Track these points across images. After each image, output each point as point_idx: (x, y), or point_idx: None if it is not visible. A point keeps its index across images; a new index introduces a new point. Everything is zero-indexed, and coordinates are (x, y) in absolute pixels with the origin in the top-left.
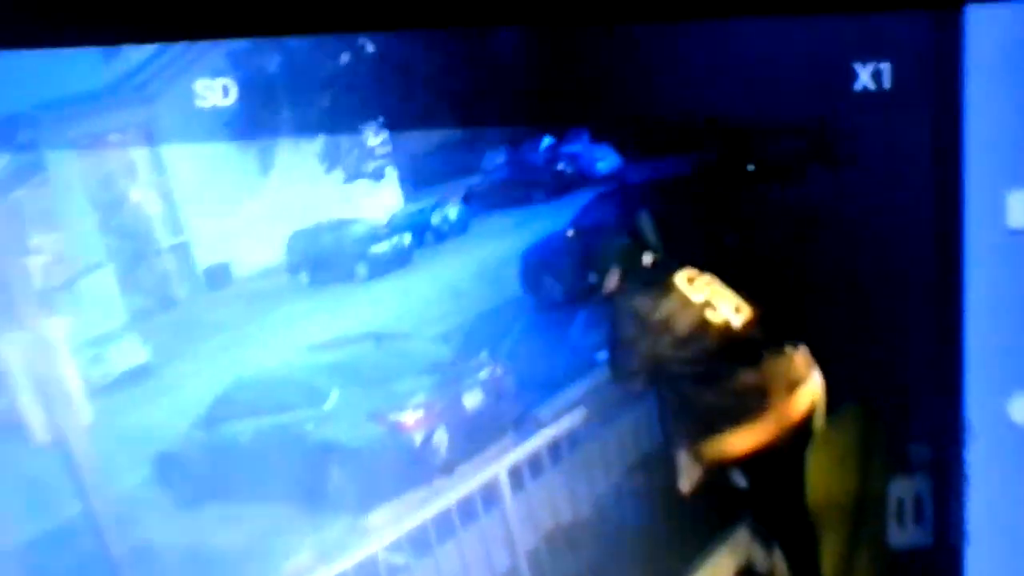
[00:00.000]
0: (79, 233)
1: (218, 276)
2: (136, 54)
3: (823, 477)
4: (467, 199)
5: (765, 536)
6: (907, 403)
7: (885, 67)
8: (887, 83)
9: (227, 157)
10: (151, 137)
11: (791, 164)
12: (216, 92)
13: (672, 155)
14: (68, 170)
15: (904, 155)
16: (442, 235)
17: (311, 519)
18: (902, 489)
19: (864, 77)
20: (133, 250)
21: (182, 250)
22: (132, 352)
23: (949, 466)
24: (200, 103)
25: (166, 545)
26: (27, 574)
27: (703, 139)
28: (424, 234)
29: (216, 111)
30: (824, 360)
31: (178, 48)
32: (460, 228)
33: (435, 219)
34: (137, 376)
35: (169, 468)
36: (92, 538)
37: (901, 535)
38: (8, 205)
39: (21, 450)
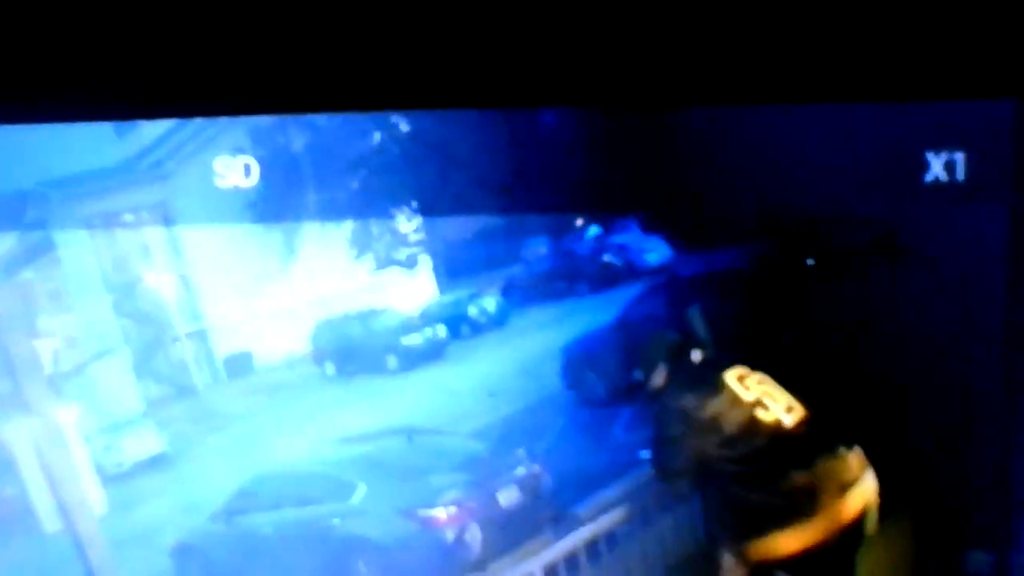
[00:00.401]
0: (91, 316)
1: (239, 365)
2: (152, 129)
3: None
4: (506, 290)
5: None
6: (967, 509)
7: (959, 157)
8: (960, 175)
9: (249, 240)
10: (168, 217)
11: (853, 259)
12: (237, 171)
13: (727, 247)
14: (80, 250)
15: (976, 251)
16: (479, 328)
17: None
18: None
19: (936, 167)
20: (149, 336)
21: (200, 337)
22: (148, 441)
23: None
24: (220, 182)
25: None
26: None
27: (761, 231)
28: (460, 326)
29: (237, 191)
30: (879, 462)
31: (197, 124)
32: (498, 321)
33: (471, 311)
34: (153, 466)
35: (187, 560)
36: None
37: None
38: (16, 286)
39: (31, 539)
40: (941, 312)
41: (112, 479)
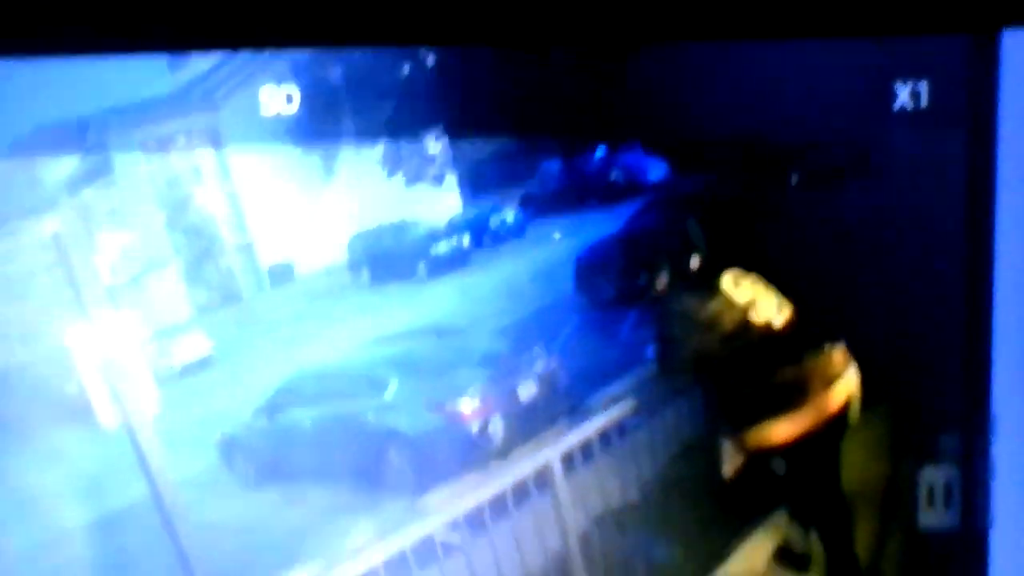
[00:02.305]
0: (146, 231)
1: (281, 274)
2: (202, 62)
3: (857, 465)
4: (523, 204)
5: (802, 519)
6: (938, 398)
7: (923, 87)
8: (924, 103)
9: (290, 162)
10: (216, 142)
11: (831, 177)
12: (280, 100)
13: (719, 167)
14: (136, 172)
15: (939, 170)
16: (499, 237)
17: (370, 500)
18: (932, 477)
19: (903, 96)
20: (198, 248)
21: (246, 249)
22: (197, 345)
23: (976, 456)
24: (264, 110)
25: (230, 526)
26: (94, 553)
27: (750, 154)
28: (482, 236)
29: (280, 118)
30: (860, 357)
31: (243, 57)
32: (516, 231)
33: (493, 222)
34: (202, 367)
35: (233, 453)
36: (157, 519)
37: (930, 519)
38: (78, 204)
39: (90, 434)
40: (910, 222)
41: (164, 380)
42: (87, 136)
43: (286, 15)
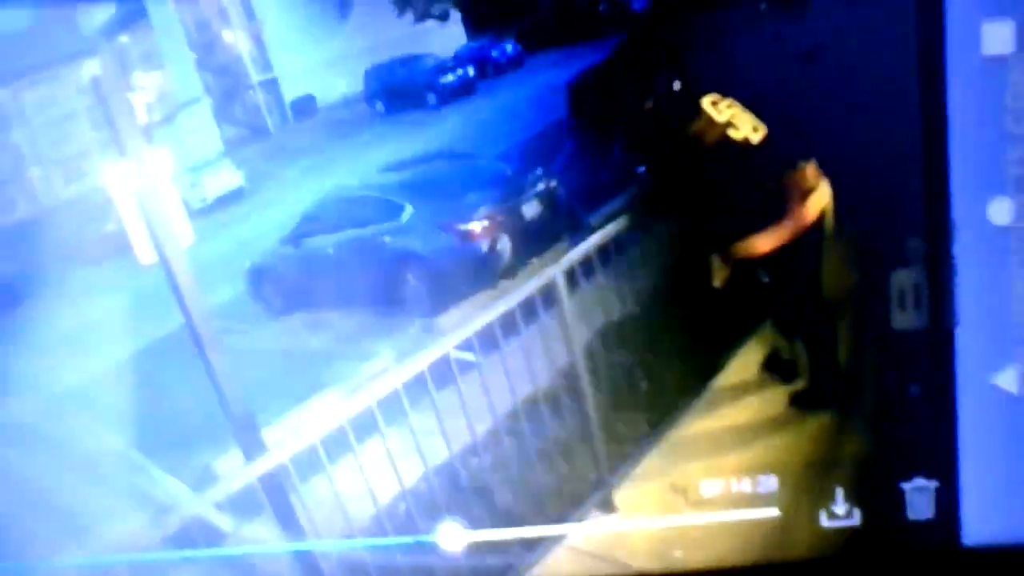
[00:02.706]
0: (178, 72)
1: (303, 107)
2: None
3: (835, 273)
4: (520, 37)
5: (787, 328)
6: (903, 205)
7: None
8: None
9: (310, 1)
10: None
11: (795, 1)
12: None
13: None
14: (168, 16)
15: None
16: (500, 68)
17: (388, 324)
18: (902, 279)
19: None
20: (227, 86)
21: (271, 85)
22: (227, 177)
23: (940, 259)
24: None
25: (258, 350)
26: (137, 381)
27: None
28: (485, 67)
29: None
30: (831, 171)
31: None
32: (516, 61)
33: (494, 54)
34: (232, 199)
35: (260, 281)
36: (194, 346)
37: (902, 319)
38: (114, 49)
39: (130, 269)
40: (868, 42)
41: (197, 212)
42: None
43: None
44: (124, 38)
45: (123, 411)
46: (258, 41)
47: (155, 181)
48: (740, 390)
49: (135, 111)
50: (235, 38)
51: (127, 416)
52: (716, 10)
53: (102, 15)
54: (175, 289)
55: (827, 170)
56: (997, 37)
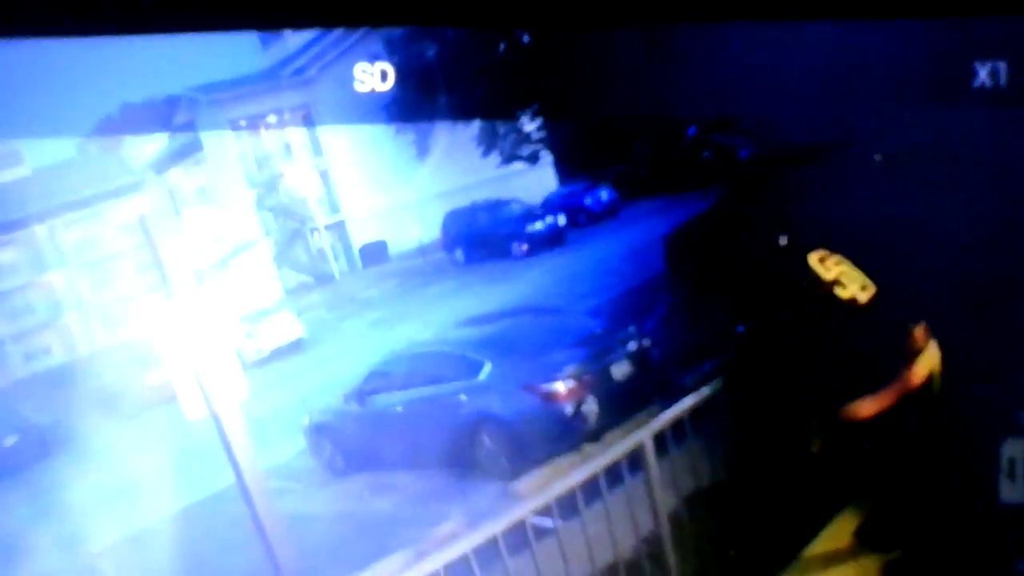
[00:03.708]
0: (235, 211)
1: (374, 253)
2: (295, 39)
3: (941, 440)
4: (617, 184)
5: (886, 495)
6: (1018, 372)
7: (1002, 66)
8: (1003, 81)
9: (384, 139)
10: (309, 119)
11: (915, 157)
12: (374, 77)
13: (806, 149)
14: (225, 150)
15: (1018, 150)
16: (594, 217)
17: (461, 487)
18: (1014, 449)
19: (983, 75)
20: (289, 228)
21: (338, 228)
22: (287, 328)
23: None
24: (359, 87)
25: (317, 515)
26: (179, 544)
27: (835, 134)
28: (577, 215)
29: (374, 95)
30: (941, 334)
31: (337, 34)
32: (611, 210)
33: (587, 201)
34: (292, 351)
35: (321, 440)
36: (243, 508)
37: (1012, 491)
38: (165, 184)
39: (177, 423)
40: (987, 202)
41: (253, 365)
42: (176, 115)
43: None
44: (176, 173)
45: (166, 573)
46: (325, 180)
47: (206, 330)
48: (833, 559)
49: (186, 253)
50: (299, 176)
51: None
52: (828, 161)
53: (153, 148)
54: (226, 446)
55: (937, 333)
56: None
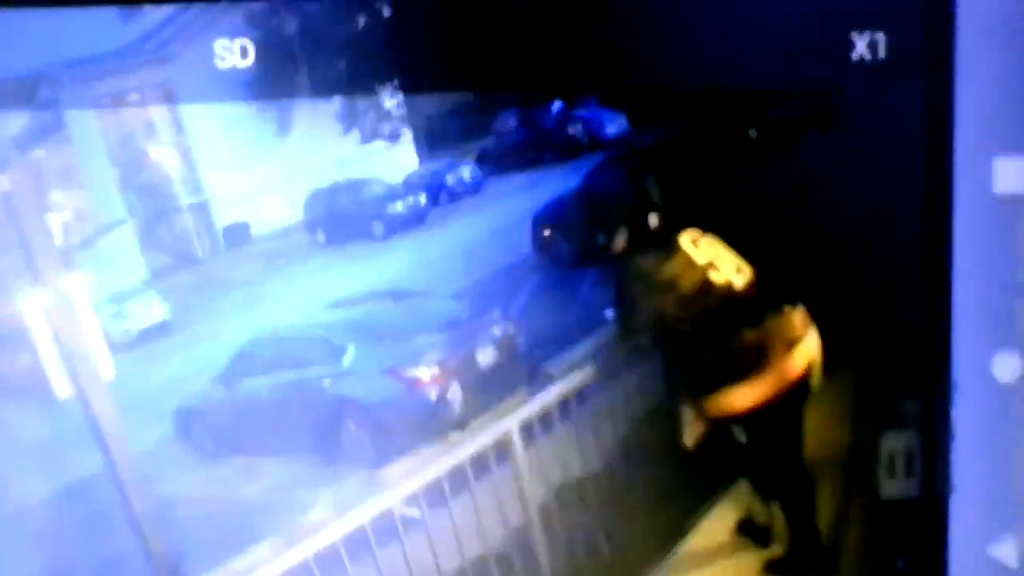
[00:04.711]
0: (99, 191)
1: (237, 235)
2: (155, 14)
3: (819, 432)
4: (480, 161)
5: (764, 490)
6: (898, 362)
7: (880, 37)
8: (882, 53)
9: (246, 118)
10: (170, 97)
11: (790, 130)
12: (235, 53)
13: (678, 121)
14: (88, 129)
15: (897, 122)
16: (456, 195)
17: (328, 473)
18: (893, 443)
19: (860, 47)
20: (153, 208)
21: (202, 209)
22: (153, 309)
23: (937, 421)
24: (219, 63)
25: (187, 498)
26: (50, 527)
27: (708, 106)
28: (439, 194)
29: (235, 72)
30: (820, 320)
31: (197, 9)
32: (474, 189)
33: (450, 180)
34: (158, 332)
35: (189, 423)
36: (114, 492)
37: (892, 486)
38: (28, 163)
39: (44, 406)
40: (868, 177)
41: (120, 346)
42: (38, 92)
43: None
44: (39, 151)
45: (36, 557)
46: (187, 159)
47: (72, 310)
48: (710, 554)
49: (51, 232)
50: (162, 155)
51: (40, 563)
52: (699, 136)
53: (15, 126)
54: (94, 428)
55: (816, 319)
56: (1011, 174)
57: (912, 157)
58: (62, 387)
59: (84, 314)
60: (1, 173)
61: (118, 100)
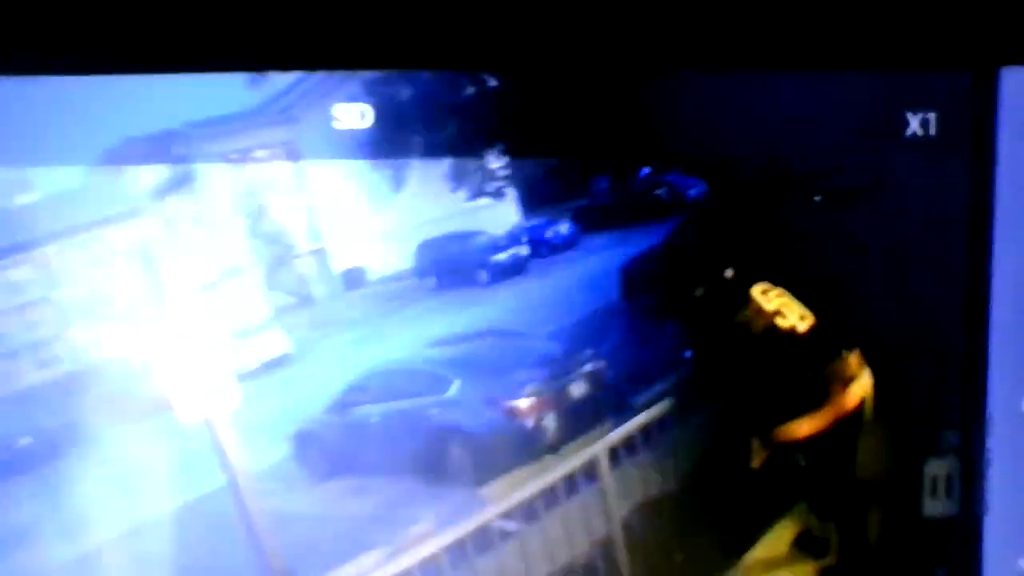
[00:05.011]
0: (228, 238)
1: (354, 278)
2: (281, 79)
3: (870, 458)
4: (576, 219)
5: (820, 508)
6: (940, 398)
7: (932, 117)
8: (933, 131)
9: (362, 174)
10: (293, 154)
11: (848, 198)
12: (353, 116)
13: (751, 189)
14: (217, 181)
15: (943, 193)
16: (554, 248)
17: (432, 492)
18: (935, 469)
19: (914, 125)
20: (276, 254)
21: (321, 255)
22: (275, 344)
23: (974, 450)
24: (338, 125)
25: (300, 515)
26: (174, 540)
27: (777, 176)
28: (539, 247)
29: (353, 133)
30: (873, 361)
31: (319, 75)
32: (570, 242)
33: (548, 234)
34: (279, 365)
35: (306, 446)
36: (235, 509)
37: (933, 506)
38: (163, 212)
39: (173, 429)
40: (916, 240)
41: (244, 376)
42: (172, 148)
43: (360, 37)
44: (173, 201)
45: (162, 567)
46: (308, 210)
47: (202, 345)
48: (771, 564)
49: (183, 275)
50: (284, 207)
51: (166, 572)
52: (770, 200)
53: (151, 178)
54: (219, 450)
55: (870, 360)
56: None
57: (957, 225)
58: (188, 413)
59: (213, 348)
60: (140, 219)
61: (244, 156)
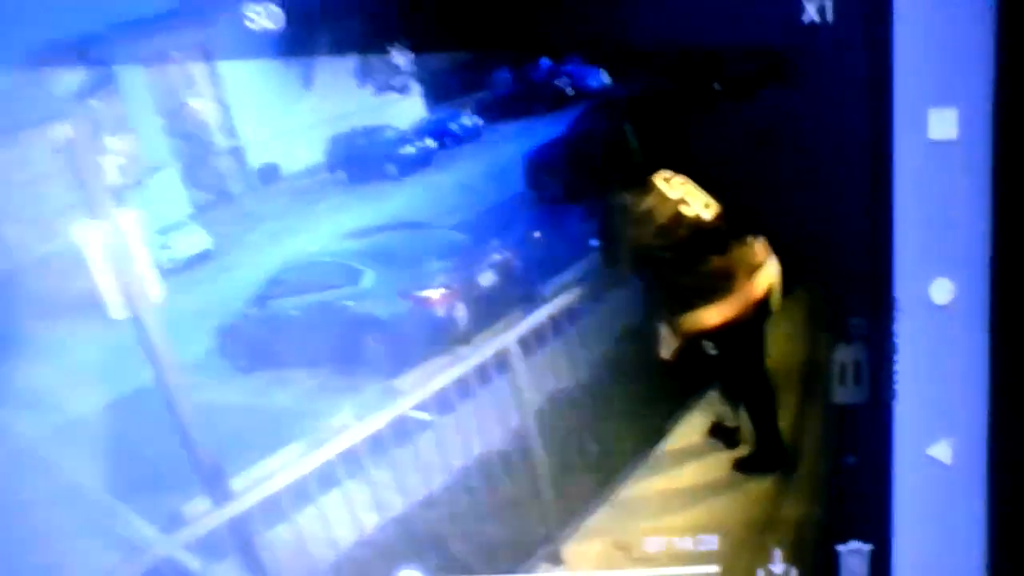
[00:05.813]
0: (148, 137)
1: (268, 174)
2: None
3: (779, 346)
4: (479, 111)
5: (732, 397)
6: (847, 285)
7: (828, 3)
8: (830, 16)
9: (274, 73)
10: (208, 55)
11: (750, 84)
12: (264, 16)
13: (652, 75)
14: (136, 82)
15: (843, 78)
16: (459, 140)
17: (349, 383)
18: (843, 356)
19: (811, 11)
20: (194, 152)
21: (237, 152)
22: (196, 239)
23: (881, 337)
24: (250, 25)
25: (225, 407)
26: (106, 433)
27: (676, 64)
28: (444, 139)
29: (264, 33)
30: (779, 248)
31: None
32: (473, 135)
33: (452, 127)
34: (201, 260)
35: (228, 340)
36: (163, 402)
37: (843, 393)
38: (84, 112)
39: (102, 325)
40: (818, 125)
41: (167, 272)
42: (92, 51)
43: None
44: (95, 103)
45: (94, 459)
46: (224, 109)
47: (126, 241)
48: (685, 454)
49: (106, 174)
50: (201, 106)
51: (98, 463)
52: (670, 89)
53: (73, 80)
54: (146, 344)
55: (775, 247)
56: (943, 123)
57: (857, 108)
58: (118, 309)
59: (136, 245)
60: (63, 122)
61: (161, 57)
